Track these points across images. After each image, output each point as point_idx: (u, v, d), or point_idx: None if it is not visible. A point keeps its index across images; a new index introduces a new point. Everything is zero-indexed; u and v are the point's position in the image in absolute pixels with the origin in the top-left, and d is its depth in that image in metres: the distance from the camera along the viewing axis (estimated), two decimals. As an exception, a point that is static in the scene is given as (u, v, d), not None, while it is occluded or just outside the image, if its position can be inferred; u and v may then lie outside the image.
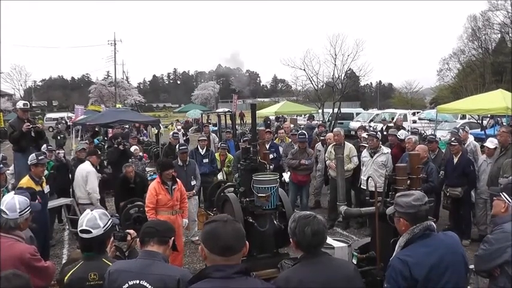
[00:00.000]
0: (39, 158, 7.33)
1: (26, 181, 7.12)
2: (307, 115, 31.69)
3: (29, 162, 7.33)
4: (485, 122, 22.06)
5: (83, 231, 3.24)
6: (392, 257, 3.18)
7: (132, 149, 11.96)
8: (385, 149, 8.99)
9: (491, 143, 8.43)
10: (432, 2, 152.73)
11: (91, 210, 3.36)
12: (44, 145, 9.95)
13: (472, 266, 4.72)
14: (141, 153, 12.30)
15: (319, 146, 10.70)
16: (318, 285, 2.74)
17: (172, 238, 3.16)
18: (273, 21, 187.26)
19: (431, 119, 24.33)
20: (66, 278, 3.23)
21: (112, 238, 3.50)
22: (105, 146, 14.98)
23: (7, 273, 2.85)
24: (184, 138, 20.08)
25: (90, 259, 3.26)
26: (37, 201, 5.89)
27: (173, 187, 7.04)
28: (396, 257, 3.10)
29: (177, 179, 7.26)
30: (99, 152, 10.92)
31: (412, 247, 3.10)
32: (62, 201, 9.50)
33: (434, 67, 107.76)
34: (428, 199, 5.07)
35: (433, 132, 12.74)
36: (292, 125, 25.87)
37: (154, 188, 6.95)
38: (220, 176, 10.79)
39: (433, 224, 3.18)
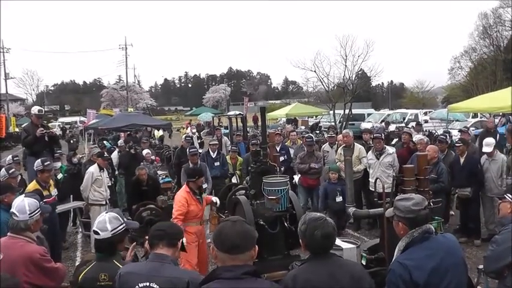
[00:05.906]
0: (45, 164, 7.17)
1: (32, 186, 7.11)
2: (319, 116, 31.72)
3: (34, 168, 7.21)
4: (496, 120, 21.88)
5: (94, 231, 3.38)
6: (393, 261, 3.14)
7: (144, 152, 12.01)
8: (390, 149, 8.95)
9: (487, 146, 8.31)
10: (442, 0, 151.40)
11: (106, 213, 3.47)
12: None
13: (481, 266, 4.75)
14: (152, 157, 12.35)
15: (326, 147, 10.67)
16: (325, 284, 2.76)
17: (181, 240, 3.22)
18: (283, 24, 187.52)
19: (443, 118, 24.18)
20: (80, 277, 3.34)
21: (134, 243, 3.61)
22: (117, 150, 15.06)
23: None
24: (199, 141, 19.94)
25: (102, 260, 3.35)
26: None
27: (202, 195, 6.58)
28: (396, 261, 3.05)
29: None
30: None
31: (411, 250, 3.04)
32: (73, 204, 9.57)
33: (446, 65, 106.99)
34: (435, 200, 5.14)
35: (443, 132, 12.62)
36: (303, 127, 25.98)
37: (185, 198, 6.21)
38: (234, 180, 10.75)
39: (432, 227, 3.12)
